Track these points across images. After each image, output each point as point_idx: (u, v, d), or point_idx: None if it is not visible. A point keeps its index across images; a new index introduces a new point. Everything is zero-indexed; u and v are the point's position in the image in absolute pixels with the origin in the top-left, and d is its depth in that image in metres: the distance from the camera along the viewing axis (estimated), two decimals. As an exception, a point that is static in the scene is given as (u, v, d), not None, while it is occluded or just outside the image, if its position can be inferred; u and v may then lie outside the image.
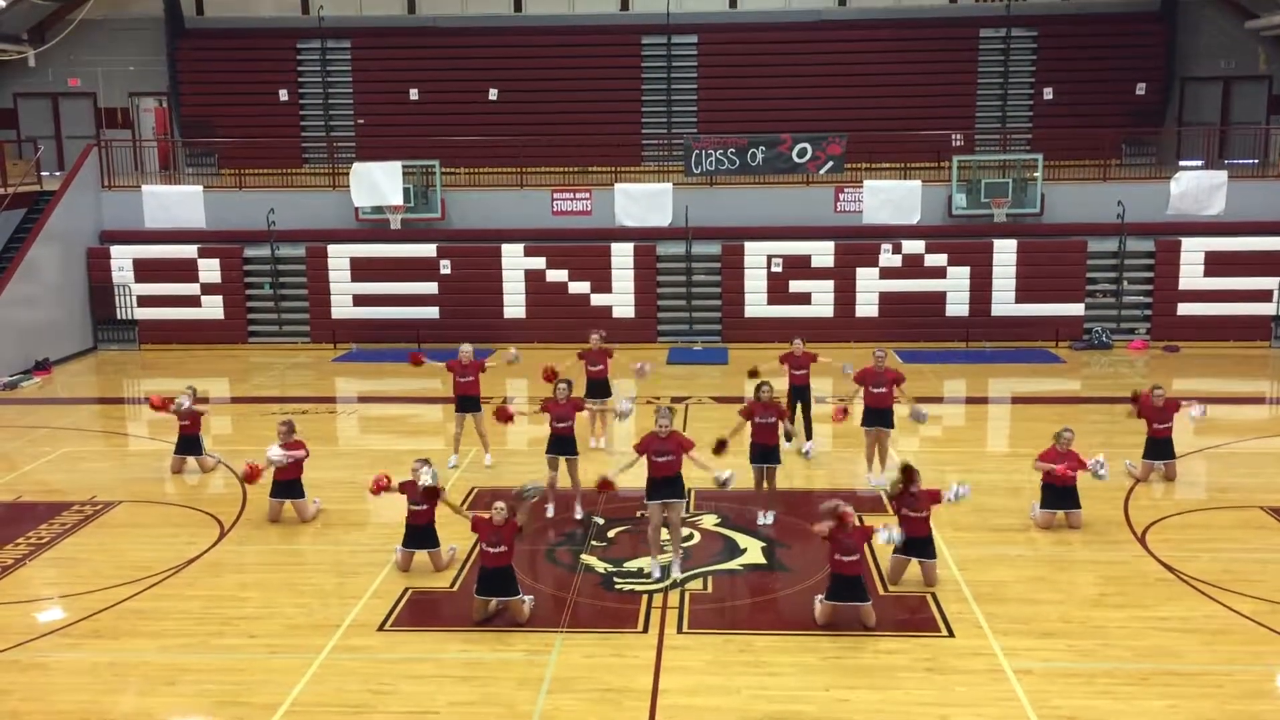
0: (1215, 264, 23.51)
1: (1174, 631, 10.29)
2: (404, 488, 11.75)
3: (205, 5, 30.16)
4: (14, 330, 21.99)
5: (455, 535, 11.97)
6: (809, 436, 15.88)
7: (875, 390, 14.30)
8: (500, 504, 10.46)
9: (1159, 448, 14.42)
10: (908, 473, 11.13)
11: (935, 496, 11.29)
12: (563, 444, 13.25)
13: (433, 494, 11.47)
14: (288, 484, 13.23)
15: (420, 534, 11.68)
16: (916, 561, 11.23)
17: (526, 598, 10.57)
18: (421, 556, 11.78)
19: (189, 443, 15.39)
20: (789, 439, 14.85)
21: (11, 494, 14.75)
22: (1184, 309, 23.71)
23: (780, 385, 15.50)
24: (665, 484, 11.46)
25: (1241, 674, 9.53)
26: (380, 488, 11.83)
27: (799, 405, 15.72)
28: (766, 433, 12.92)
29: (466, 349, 15.27)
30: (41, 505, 14.20)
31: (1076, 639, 10.17)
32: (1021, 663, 9.71)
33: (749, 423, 12.96)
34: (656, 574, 11.51)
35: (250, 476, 13.07)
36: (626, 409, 13.32)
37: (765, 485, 13.13)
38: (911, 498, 11.16)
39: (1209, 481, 15.00)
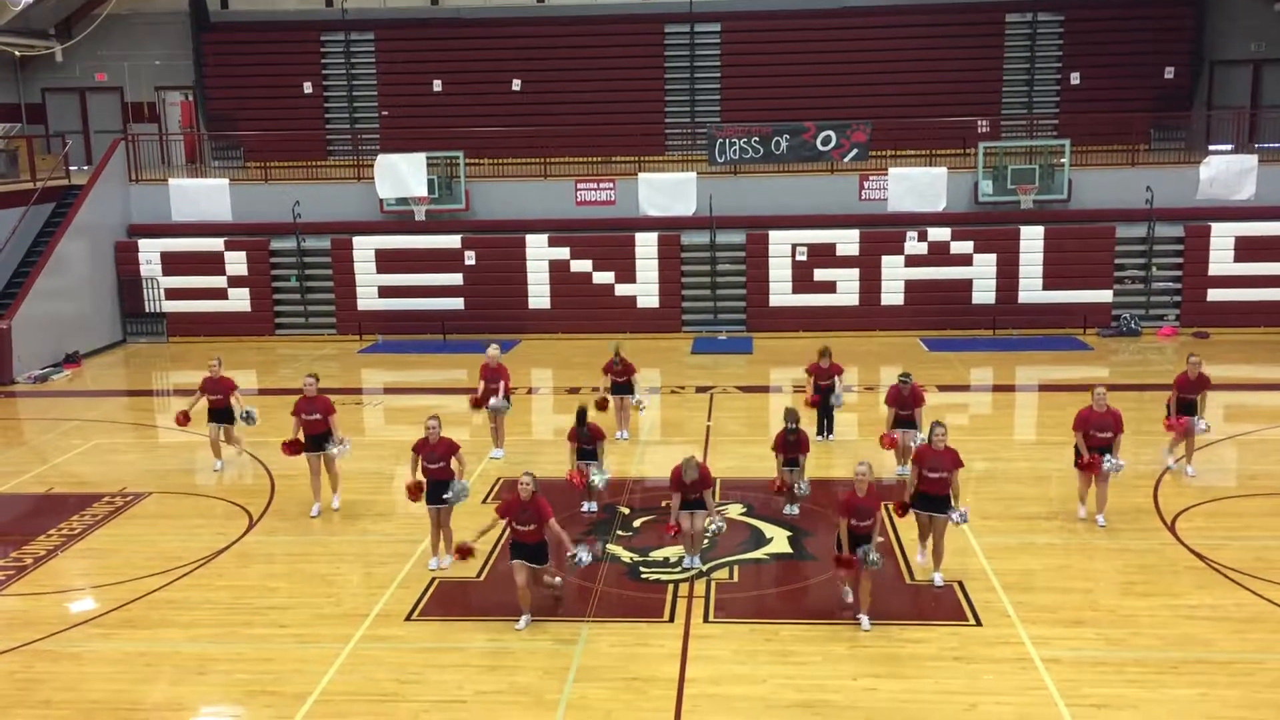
0: (1245, 249, 23.27)
1: (1204, 620, 10.22)
2: (417, 447, 11.66)
3: (230, -1, 30.31)
4: (44, 324, 22.19)
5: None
6: (830, 431, 15.91)
7: (902, 413, 14.20)
8: (527, 478, 10.24)
9: (1185, 407, 14.08)
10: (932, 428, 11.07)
11: (957, 460, 11.02)
12: (587, 457, 13.30)
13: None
14: (317, 438, 13.25)
15: (440, 487, 11.63)
16: (927, 518, 11.06)
17: (553, 580, 10.43)
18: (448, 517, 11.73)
19: (220, 414, 15.16)
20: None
21: (43, 486, 14.92)
22: (1214, 295, 23.49)
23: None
24: (693, 504, 11.58)
25: (1272, 663, 9.45)
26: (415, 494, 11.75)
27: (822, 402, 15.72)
28: (791, 462, 12.97)
29: (494, 351, 15.42)
30: (72, 497, 14.35)
31: (1105, 628, 10.11)
32: (1050, 651, 9.66)
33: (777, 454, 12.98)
34: (699, 565, 11.56)
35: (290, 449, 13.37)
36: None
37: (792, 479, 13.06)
38: (934, 455, 10.93)
39: (1239, 469, 14.87)
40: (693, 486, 11.44)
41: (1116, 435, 12.40)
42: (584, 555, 10.28)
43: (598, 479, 13.01)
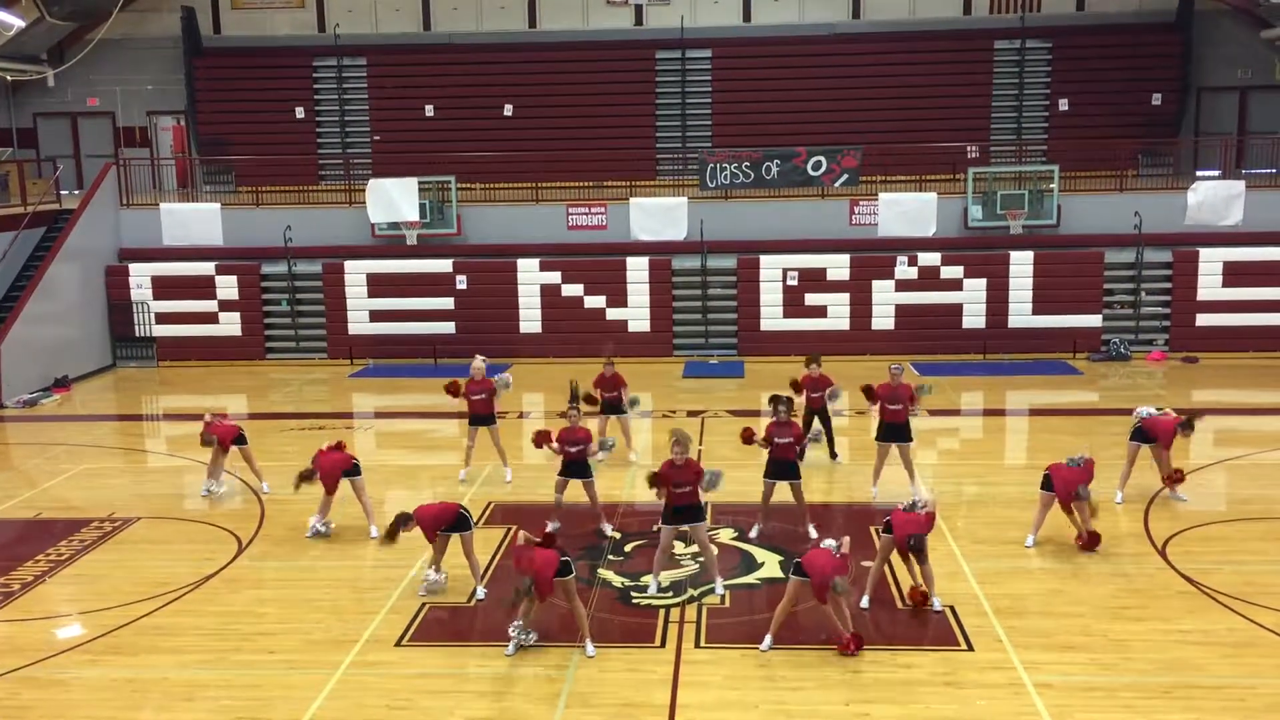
0: (1233, 274, 23.38)
1: (1196, 645, 10.21)
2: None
3: (222, 24, 30.40)
4: (34, 348, 22.12)
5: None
6: (832, 452, 15.92)
7: (891, 407, 14.20)
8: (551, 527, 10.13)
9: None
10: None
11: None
12: (575, 468, 13.15)
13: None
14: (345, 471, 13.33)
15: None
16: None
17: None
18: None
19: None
20: (802, 456, 14.46)
21: (31, 511, 14.83)
22: (1202, 320, 23.57)
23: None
24: (684, 510, 11.44)
25: (1264, 687, 9.44)
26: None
27: (816, 419, 15.66)
28: (783, 449, 12.82)
29: (479, 364, 15.40)
30: (61, 522, 14.27)
31: (1097, 652, 10.10)
32: (1042, 676, 9.65)
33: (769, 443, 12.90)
34: (653, 590, 11.54)
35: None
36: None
37: (795, 500, 12.95)
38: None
39: (1230, 493, 14.89)
40: (682, 471, 11.24)
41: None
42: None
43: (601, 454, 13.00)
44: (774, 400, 12.91)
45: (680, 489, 11.27)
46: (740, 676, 9.77)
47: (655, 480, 11.30)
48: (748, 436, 12.92)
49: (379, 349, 24.55)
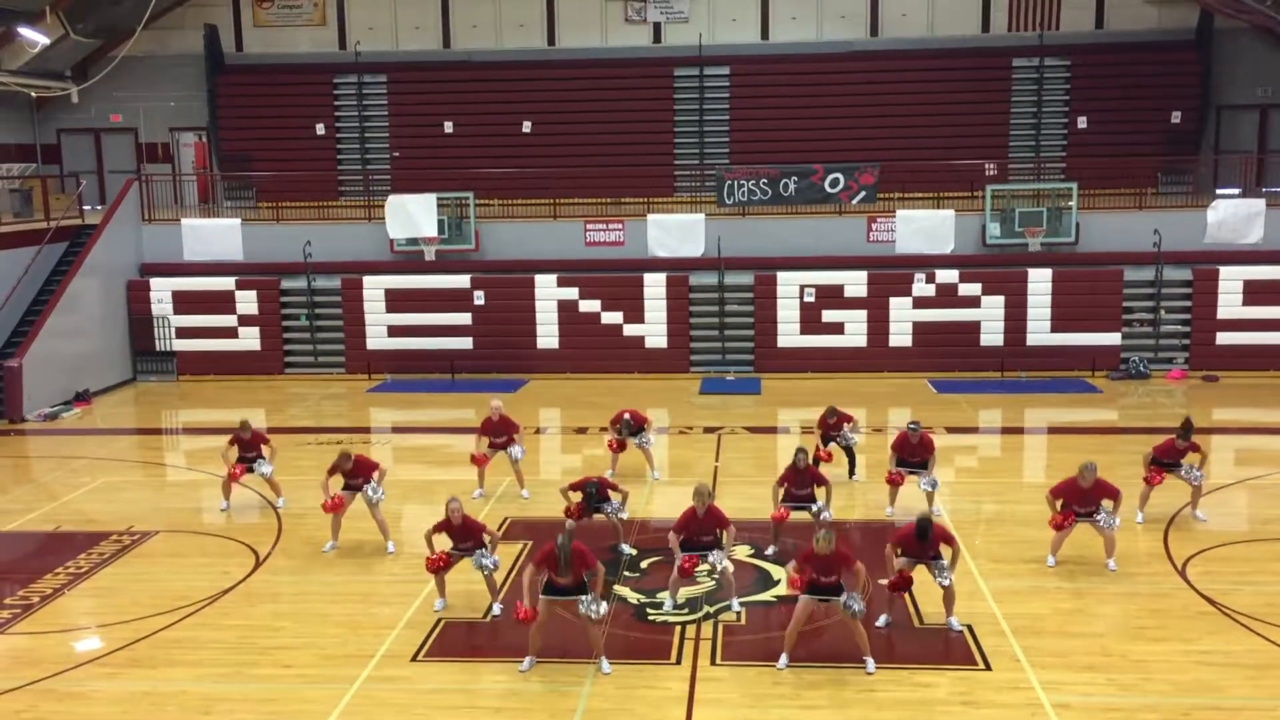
0: (1254, 293, 23.26)
1: (1216, 666, 10.12)
2: (440, 528, 11.55)
3: (245, 42, 30.62)
4: (55, 362, 22.27)
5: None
6: (852, 471, 15.96)
7: (911, 460, 14.31)
8: (568, 525, 10.13)
9: (1166, 465, 14.04)
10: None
11: (949, 538, 11.05)
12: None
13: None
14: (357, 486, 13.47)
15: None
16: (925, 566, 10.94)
17: (592, 603, 10.22)
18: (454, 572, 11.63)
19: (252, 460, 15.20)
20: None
21: (51, 524, 14.92)
22: (1223, 338, 23.45)
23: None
24: (701, 546, 11.49)
25: (1286, 710, 9.36)
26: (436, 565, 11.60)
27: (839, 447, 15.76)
28: (801, 499, 12.94)
29: (496, 405, 15.38)
30: (80, 535, 14.35)
31: (1116, 673, 10.02)
32: (1060, 697, 9.58)
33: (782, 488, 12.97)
34: (669, 607, 11.56)
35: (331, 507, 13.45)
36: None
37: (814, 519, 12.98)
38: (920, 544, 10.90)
39: (1250, 513, 14.79)
40: (703, 524, 11.33)
41: (1111, 501, 12.28)
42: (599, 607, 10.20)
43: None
44: (796, 450, 12.98)
45: (703, 538, 11.37)
46: (756, 694, 9.74)
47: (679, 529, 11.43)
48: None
49: (397, 364, 24.63)
